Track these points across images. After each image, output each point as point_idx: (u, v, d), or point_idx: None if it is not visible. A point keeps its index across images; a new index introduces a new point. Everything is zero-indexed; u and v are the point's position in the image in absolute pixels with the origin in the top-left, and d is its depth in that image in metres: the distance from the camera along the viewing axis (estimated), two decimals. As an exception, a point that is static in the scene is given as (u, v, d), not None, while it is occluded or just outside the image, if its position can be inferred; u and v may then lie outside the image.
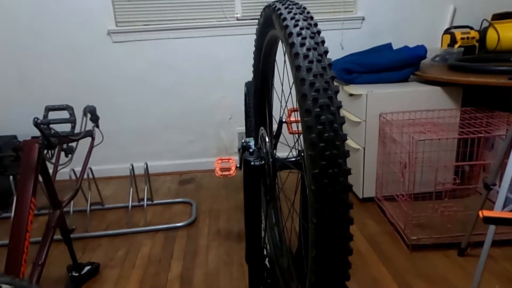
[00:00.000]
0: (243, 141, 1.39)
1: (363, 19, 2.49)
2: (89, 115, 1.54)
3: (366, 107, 1.90)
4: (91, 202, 2.05)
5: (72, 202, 1.88)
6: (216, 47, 2.43)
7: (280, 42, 0.91)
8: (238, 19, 2.43)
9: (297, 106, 0.67)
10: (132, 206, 2.00)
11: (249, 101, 1.66)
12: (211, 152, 2.61)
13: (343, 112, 2.19)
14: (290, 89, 0.74)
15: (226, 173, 1.48)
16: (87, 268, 1.50)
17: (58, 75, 2.37)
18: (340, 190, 0.61)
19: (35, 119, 1.07)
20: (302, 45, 0.65)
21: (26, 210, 1.08)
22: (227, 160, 1.56)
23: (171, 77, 2.45)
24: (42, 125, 1.07)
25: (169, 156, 2.58)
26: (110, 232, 1.84)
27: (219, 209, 2.05)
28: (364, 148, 1.96)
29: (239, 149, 2.24)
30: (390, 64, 2.07)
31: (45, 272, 1.51)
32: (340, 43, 2.52)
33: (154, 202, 2.12)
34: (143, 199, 2.01)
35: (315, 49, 0.65)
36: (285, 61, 0.79)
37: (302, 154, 0.98)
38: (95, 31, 2.31)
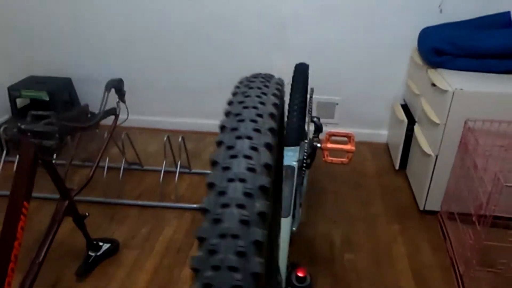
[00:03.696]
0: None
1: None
2: (112, 90, 1.39)
3: (449, 108, 1.48)
4: (130, 161, 2.00)
5: (107, 158, 1.85)
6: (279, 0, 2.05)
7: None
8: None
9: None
10: (169, 172, 1.90)
11: (293, 91, 1.36)
12: (263, 118, 2.37)
13: (421, 103, 1.77)
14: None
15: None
16: (105, 247, 1.48)
17: (113, 19, 2.21)
18: None
19: (19, 125, 0.93)
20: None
21: (17, 217, 1.00)
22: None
23: (226, 31, 2.17)
24: (30, 131, 0.93)
25: (219, 116, 2.41)
26: (140, 202, 1.79)
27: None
28: (437, 156, 1.58)
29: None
30: (500, 50, 1.56)
31: (64, 247, 1.52)
32: (439, 3, 1.98)
33: (192, 171, 2.01)
34: (181, 167, 1.91)
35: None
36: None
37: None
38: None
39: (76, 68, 2.36)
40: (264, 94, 0.46)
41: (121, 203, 1.78)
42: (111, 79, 1.36)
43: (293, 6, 2.06)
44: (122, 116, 1.50)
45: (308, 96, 1.51)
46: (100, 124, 1.36)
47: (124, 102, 1.44)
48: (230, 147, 0.36)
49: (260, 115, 0.40)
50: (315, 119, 1.44)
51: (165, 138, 1.77)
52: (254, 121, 0.39)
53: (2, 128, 1.77)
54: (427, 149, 1.64)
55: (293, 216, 1.20)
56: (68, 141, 1.92)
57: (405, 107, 2.07)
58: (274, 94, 0.47)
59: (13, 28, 2.29)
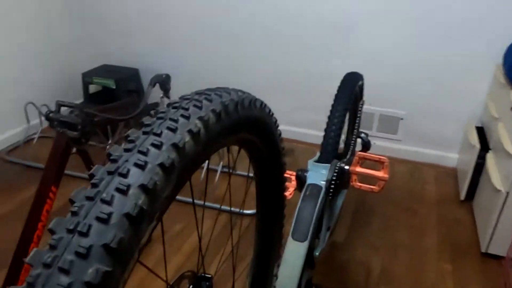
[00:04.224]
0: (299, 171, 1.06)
1: None
2: (157, 85, 1.40)
3: (528, 139, 1.24)
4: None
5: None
6: (348, 1, 1.92)
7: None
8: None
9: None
10: (212, 170, 1.89)
11: (336, 103, 1.24)
12: (319, 126, 2.25)
13: (498, 128, 1.53)
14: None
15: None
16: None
17: (182, 15, 2.27)
18: None
19: (47, 112, 0.96)
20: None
21: (43, 200, 1.05)
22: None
23: (291, 32, 2.09)
24: (56, 120, 0.96)
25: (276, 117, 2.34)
26: (181, 198, 1.80)
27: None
28: (508, 192, 1.35)
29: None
30: None
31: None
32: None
33: (237, 172, 1.98)
34: (224, 167, 1.89)
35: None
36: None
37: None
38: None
39: (144, 60, 2.47)
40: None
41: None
42: (156, 74, 1.37)
43: (361, 8, 1.91)
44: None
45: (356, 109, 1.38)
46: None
47: (168, 98, 1.44)
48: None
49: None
50: (362, 135, 1.30)
51: (209, 137, 1.75)
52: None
53: (69, 111, 1.90)
54: (497, 183, 1.41)
55: (316, 238, 1.10)
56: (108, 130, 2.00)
57: (480, 130, 1.81)
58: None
59: (92, 19, 2.47)
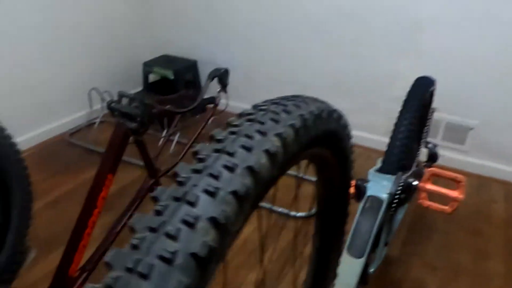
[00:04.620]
0: (359, 181, 1.00)
1: None
2: (215, 80, 1.38)
3: None
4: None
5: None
6: (423, -1, 1.78)
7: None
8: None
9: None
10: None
11: (405, 109, 1.14)
12: (378, 130, 2.14)
13: None
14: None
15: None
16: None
17: (240, 9, 2.24)
18: None
19: (109, 102, 0.97)
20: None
21: (100, 187, 1.07)
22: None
23: (352, 29, 1.99)
24: (116, 110, 0.97)
25: (330, 119, 2.25)
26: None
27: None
28: None
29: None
30: None
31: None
32: None
33: (289, 172, 1.92)
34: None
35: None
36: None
37: None
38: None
39: (202, 52, 2.48)
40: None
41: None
42: (215, 69, 1.35)
43: (432, 8, 1.77)
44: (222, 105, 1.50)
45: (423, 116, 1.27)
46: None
47: (225, 92, 1.42)
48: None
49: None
50: (430, 145, 1.20)
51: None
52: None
53: (128, 100, 1.95)
54: None
55: (372, 253, 1.03)
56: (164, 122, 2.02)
57: None
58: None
59: (156, 9, 2.51)
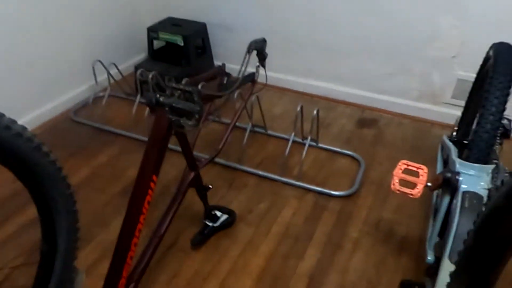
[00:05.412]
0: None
1: None
2: (254, 53, 1.20)
3: None
4: (254, 124, 1.86)
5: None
6: None
7: None
8: None
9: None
10: (294, 141, 1.70)
11: (497, 74, 0.99)
12: (411, 94, 1.99)
13: None
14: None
15: (407, 190, 1.01)
16: (223, 218, 1.39)
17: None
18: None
19: (158, 97, 0.80)
20: None
21: (145, 191, 0.92)
22: (415, 169, 1.05)
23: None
24: (170, 106, 0.80)
25: (357, 84, 2.10)
26: (261, 173, 1.65)
27: (392, 186, 1.60)
28: None
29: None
30: None
31: (182, 211, 1.46)
32: None
33: (319, 145, 1.80)
34: (307, 138, 1.72)
35: None
36: None
37: None
38: None
39: (211, 13, 2.24)
40: None
41: (241, 169, 1.67)
42: (254, 40, 1.17)
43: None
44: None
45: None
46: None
47: (264, 66, 1.24)
48: None
49: None
50: (505, 121, 1.07)
51: (298, 108, 1.56)
52: None
53: (139, 72, 1.75)
54: None
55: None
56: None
57: None
58: None
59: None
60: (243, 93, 1.52)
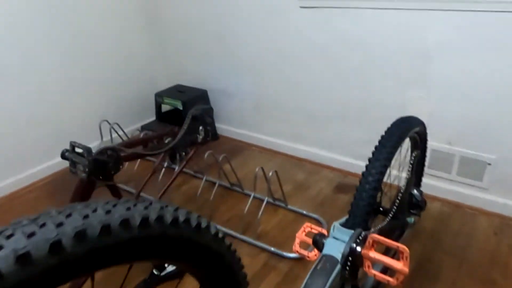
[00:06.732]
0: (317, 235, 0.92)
1: None
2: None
3: None
4: (231, 182, 1.98)
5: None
6: (424, 26, 1.66)
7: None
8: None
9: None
10: (266, 202, 1.78)
11: (375, 157, 1.05)
12: (388, 162, 2.00)
13: None
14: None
15: (305, 252, 1.04)
16: (170, 269, 1.48)
17: (248, 40, 2.23)
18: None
19: (64, 151, 0.98)
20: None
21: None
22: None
23: (358, 58, 1.90)
24: (69, 156, 0.97)
25: (339, 150, 2.16)
26: (224, 229, 1.74)
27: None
28: None
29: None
30: None
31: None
32: None
33: (288, 206, 1.86)
34: (278, 199, 1.79)
35: None
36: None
37: None
38: (285, -8, 1.98)
39: (213, 81, 2.49)
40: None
41: (207, 225, 1.77)
42: (195, 108, 1.34)
43: (441, 34, 1.64)
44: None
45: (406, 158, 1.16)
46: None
47: (206, 131, 1.40)
48: None
49: None
50: (414, 192, 1.09)
51: (256, 170, 1.67)
52: None
53: (143, 133, 1.99)
54: None
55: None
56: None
57: None
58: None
59: (170, 40, 2.58)
60: (213, 153, 1.68)
